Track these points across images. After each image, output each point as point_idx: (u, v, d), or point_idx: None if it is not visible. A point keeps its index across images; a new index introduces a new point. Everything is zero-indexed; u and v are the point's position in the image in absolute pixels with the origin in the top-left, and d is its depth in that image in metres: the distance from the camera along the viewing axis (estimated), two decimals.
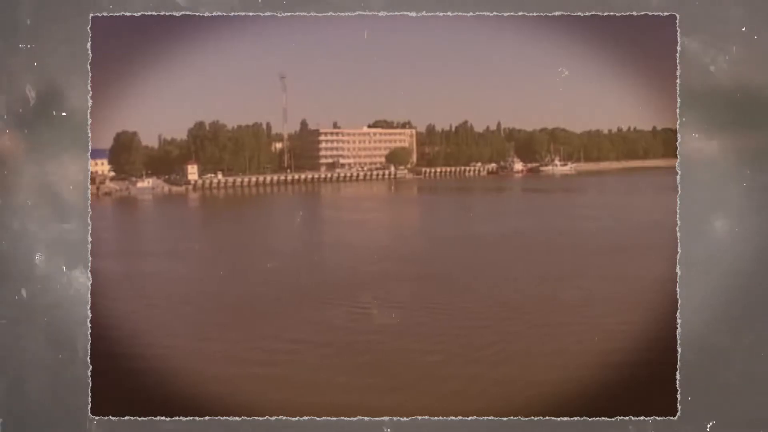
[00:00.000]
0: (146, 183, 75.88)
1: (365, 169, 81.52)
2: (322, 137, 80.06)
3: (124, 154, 74.33)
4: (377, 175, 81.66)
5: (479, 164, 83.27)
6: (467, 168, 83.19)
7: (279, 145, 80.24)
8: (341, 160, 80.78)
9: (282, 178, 79.94)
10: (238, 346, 35.12)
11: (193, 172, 77.34)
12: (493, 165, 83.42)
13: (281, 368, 31.84)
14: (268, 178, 79.77)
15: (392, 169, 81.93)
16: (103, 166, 73.24)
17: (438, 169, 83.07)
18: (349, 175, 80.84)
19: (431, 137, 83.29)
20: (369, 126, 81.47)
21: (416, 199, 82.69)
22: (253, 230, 70.03)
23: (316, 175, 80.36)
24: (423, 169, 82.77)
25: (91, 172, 69.29)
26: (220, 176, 78.48)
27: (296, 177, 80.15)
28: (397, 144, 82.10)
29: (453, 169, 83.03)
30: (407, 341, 35.80)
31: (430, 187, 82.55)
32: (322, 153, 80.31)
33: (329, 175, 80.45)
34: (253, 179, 79.46)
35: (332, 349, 35.00)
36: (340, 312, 40.95)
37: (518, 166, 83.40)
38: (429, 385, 29.85)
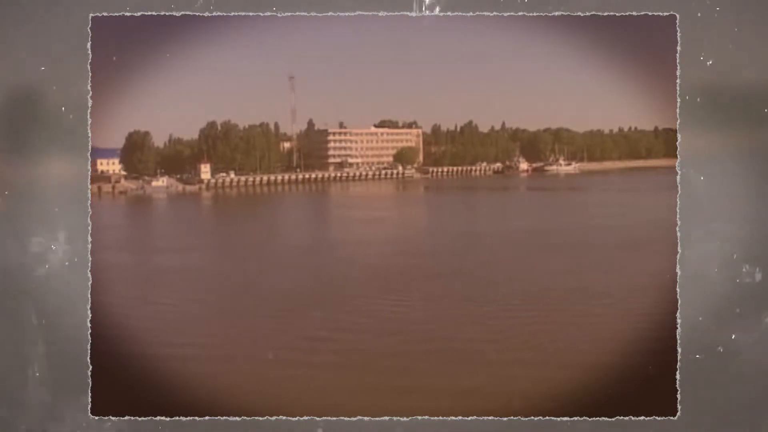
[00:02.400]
0: (161, 182, 76.15)
1: (373, 168, 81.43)
2: (331, 137, 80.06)
3: (137, 153, 74.38)
4: (385, 174, 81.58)
5: (485, 164, 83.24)
6: (473, 167, 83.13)
7: (287, 145, 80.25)
8: (349, 160, 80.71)
9: (293, 177, 79.92)
10: (265, 344, 34.67)
11: (206, 171, 77.60)
12: (499, 164, 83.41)
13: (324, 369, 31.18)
14: (279, 177, 79.74)
15: (400, 168, 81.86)
16: (114, 166, 73.35)
17: (445, 169, 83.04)
18: (357, 174, 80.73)
19: (437, 137, 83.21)
20: (375, 126, 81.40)
21: (426, 198, 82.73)
22: (275, 227, 70.06)
23: (325, 174, 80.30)
24: (430, 169, 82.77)
25: (106, 172, 69.49)
26: (232, 175, 78.54)
27: (306, 176, 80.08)
28: (404, 144, 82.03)
29: (459, 168, 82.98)
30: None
31: (438, 186, 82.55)
32: (331, 152, 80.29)
33: (338, 175, 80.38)
34: (264, 178, 79.41)
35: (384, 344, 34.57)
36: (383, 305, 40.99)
37: (523, 165, 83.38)
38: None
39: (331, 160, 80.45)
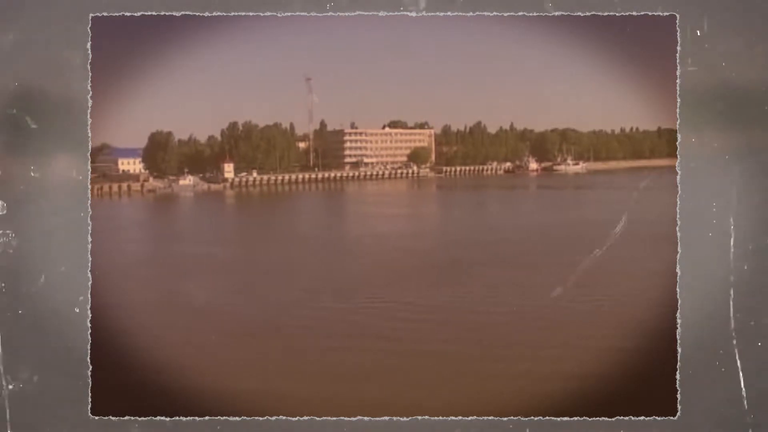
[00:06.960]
0: (188, 180, 76.33)
1: (388, 167, 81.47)
2: (347, 137, 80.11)
3: (160, 153, 74.36)
4: (400, 173, 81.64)
5: (495, 163, 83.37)
6: (484, 167, 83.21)
7: (302, 145, 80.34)
8: (365, 160, 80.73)
9: (312, 176, 79.98)
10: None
11: (229, 170, 77.67)
12: (509, 164, 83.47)
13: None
14: (299, 176, 79.79)
15: (414, 168, 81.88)
16: (135, 165, 73.43)
17: (457, 168, 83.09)
18: (374, 173, 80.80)
19: (447, 137, 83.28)
20: (386, 126, 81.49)
21: (445, 196, 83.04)
22: (313, 222, 70.17)
23: (342, 174, 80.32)
24: (443, 168, 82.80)
25: (127, 171, 68.95)
26: (255, 174, 78.58)
27: (324, 175, 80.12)
28: (417, 144, 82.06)
29: (471, 168, 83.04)
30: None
31: (454, 185, 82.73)
32: (347, 152, 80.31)
33: (356, 174, 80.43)
34: (286, 177, 79.41)
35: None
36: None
37: (533, 165, 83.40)
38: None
39: (347, 159, 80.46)
